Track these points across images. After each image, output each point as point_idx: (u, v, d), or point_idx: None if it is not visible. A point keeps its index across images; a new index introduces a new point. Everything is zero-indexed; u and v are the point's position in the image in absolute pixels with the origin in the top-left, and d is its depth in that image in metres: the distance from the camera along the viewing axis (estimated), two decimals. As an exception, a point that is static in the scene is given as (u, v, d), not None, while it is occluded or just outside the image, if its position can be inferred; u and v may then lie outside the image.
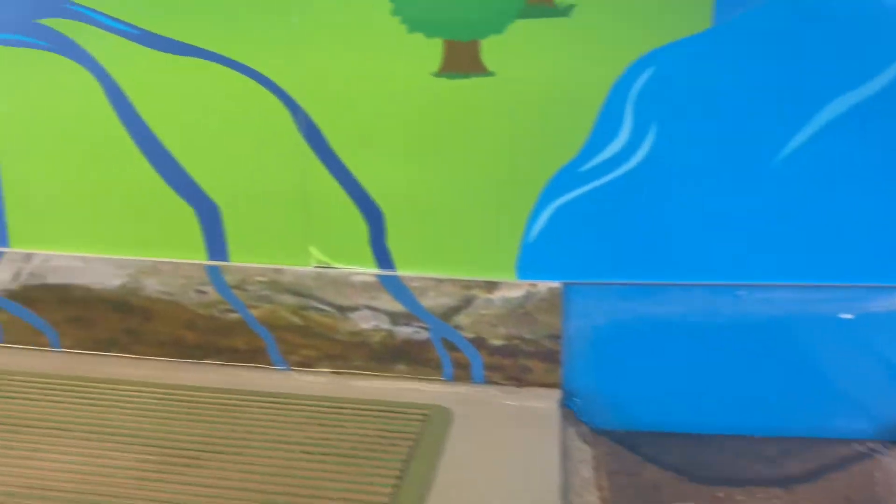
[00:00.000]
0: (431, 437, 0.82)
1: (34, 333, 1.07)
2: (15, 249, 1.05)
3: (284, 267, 0.99)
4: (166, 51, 0.96)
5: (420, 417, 0.86)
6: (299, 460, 0.76)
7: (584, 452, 0.88)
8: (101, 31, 0.96)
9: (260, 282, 1.00)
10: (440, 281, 0.96)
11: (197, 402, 0.89)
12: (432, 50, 0.90)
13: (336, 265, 0.99)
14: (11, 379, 0.95)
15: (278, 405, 0.89)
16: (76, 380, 0.94)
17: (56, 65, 0.98)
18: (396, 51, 0.91)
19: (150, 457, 0.77)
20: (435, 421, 0.85)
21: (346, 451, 0.78)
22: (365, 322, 0.99)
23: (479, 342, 0.96)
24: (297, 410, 0.87)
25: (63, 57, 0.98)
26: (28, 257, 1.05)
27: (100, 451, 0.78)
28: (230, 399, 0.90)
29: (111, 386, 0.93)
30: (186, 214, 1.00)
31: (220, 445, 0.79)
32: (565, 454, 0.82)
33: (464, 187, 0.93)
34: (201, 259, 1.01)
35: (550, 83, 0.89)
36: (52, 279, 1.04)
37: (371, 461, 0.76)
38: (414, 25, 0.90)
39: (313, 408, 0.88)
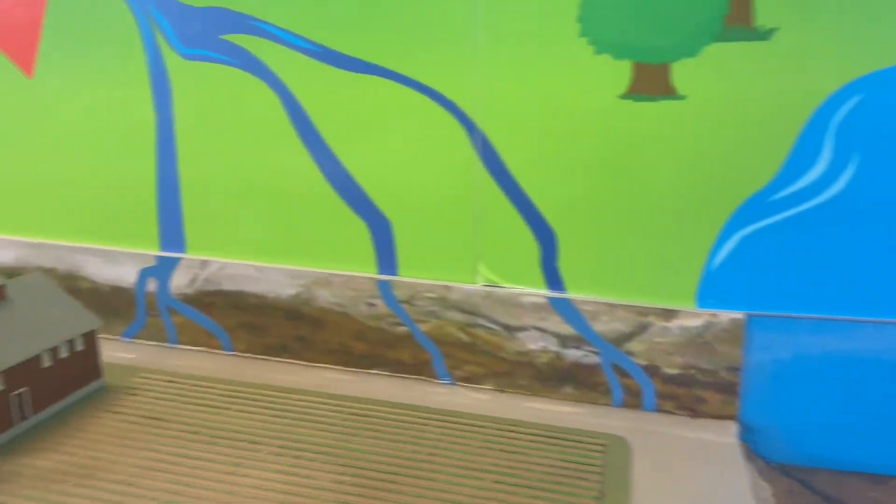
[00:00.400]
0: (616, 470, 0.81)
1: (207, 336, 1.11)
2: (191, 256, 1.09)
3: (453, 284, 1.00)
4: (345, 68, 0.97)
5: (599, 448, 0.85)
6: (492, 490, 0.76)
7: (764, 490, 0.86)
8: (282, 48, 0.98)
9: (428, 297, 1.01)
10: (613, 306, 0.94)
11: (374, 417, 0.91)
12: (620, 72, 0.88)
13: (504, 285, 0.98)
14: (194, 384, 0.99)
15: (454, 424, 0.90)
16: (256, 387, 0.97)
17: (238, 79, 1.01)
18: (582, 72, 0.89)
19: (345, 476, 0.78)
20: (615, 452, 0.85)
21: (534, 482, 0.78)
22: (532, 342, 0.98)
23: (652, 370, 0.94)
24: (474, 432, 0.88)
25: (245, 72, 1.00)
26: (204, 264, 1.09)
27: (296, 469, 0.80)
28: (406, 415, 0.91)
29: (290, 395, 0.95)
30: (359, 229, 1.02)
31: (410, 468, 0.80)
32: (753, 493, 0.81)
33: (644, 211, 0.91)
34: (372, 273, 1.02)
35: (745, 109, 0.85)
36: (227, 286, 1.08)
37: (564, 496, 0.75)
38: (602, 47, 0.88)
39: (489, 430, 0.88)
